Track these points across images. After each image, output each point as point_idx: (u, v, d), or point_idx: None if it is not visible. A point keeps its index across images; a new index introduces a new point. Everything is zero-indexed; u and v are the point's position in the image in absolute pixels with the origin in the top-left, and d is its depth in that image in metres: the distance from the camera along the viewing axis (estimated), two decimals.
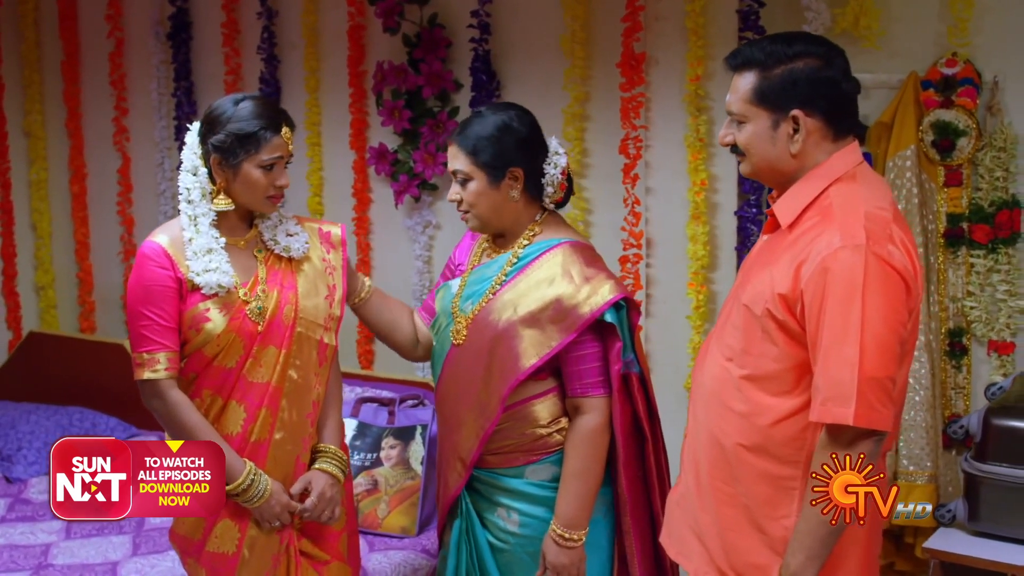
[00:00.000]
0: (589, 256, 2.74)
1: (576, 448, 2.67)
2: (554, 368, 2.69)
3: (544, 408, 2.71)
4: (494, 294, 2.72)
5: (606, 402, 2.67)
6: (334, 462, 2.73)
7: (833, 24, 3.50)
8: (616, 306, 2.65)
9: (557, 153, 2.76)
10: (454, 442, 2.78)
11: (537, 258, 2.71)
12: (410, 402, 3.92)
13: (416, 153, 4.31)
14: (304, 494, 2.68)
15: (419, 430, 3.80)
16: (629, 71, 3.83)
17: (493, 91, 4.13)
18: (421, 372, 4.45)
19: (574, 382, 2.68)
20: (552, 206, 2.80)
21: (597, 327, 2.66)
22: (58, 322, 5.46)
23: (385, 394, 4.00)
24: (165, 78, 5.04)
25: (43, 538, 3.79)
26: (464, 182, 2.71)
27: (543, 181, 2.74)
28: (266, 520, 2.63)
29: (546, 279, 2.68)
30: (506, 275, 2.73)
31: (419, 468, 3.75)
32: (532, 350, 2.65)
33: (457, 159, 2.70)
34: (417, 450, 3.77)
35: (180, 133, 4.99)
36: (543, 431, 2.72)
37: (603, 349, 2.68)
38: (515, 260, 2.73)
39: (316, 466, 2.72)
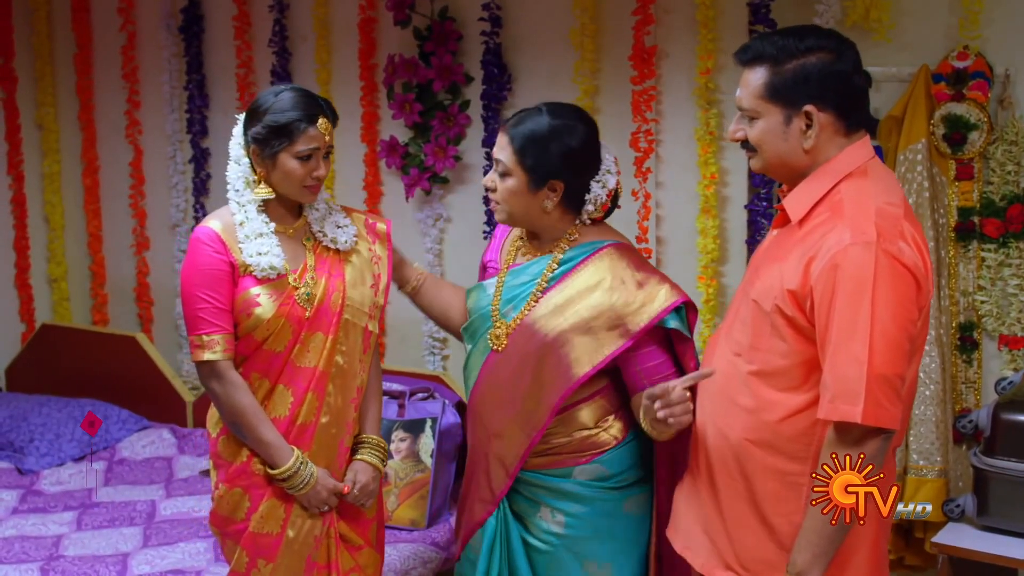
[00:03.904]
0: (636, 259, 2.69)
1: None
2: (604, 370, 2.63)
3: (589, 412, 2.67)
4: (537, 301, 2.67)
5: None
6: (376, 453, 2.81)
7: (844, 17, 3.48)
8: (676, 309, 2.61)
9: (609, 172, 2.68)
10: (496, 448, 2.72)
11: (582, 262, 2.66)
12: (420, 395, 3.93)
13: (427, 146, 4.31)
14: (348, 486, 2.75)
15: (429, 423, 3.80)
16: (640, 64, 3.83)
17: (504, 84, 4.13)
18: (431, 365, 4.45)
19: (647, 379, 2.60)
20: (588, 221, 2.72)
21: (655, 329, 2.61)
22: (71, 314, 5.49)
23: (395, 387, 4.00)
24: (177, 71, 5.05)
25: (55, 529, 3.82)
26: (503, 175, 2.64)
27: (586, 197, 2.67)
28: (313, 506, 2.69)
29: (595, 284, 2.63)
30: (548, 281, 2.67)
31: (429, 461, 3.76)
32: (585, 358, 2.60)
33: (503, 151, 2.63)
34: (427, 443, 3.78)
35: (192, 126, 5.01)
36: (589, 432, 2.68)
37: (664, 345, 2.64)
38: (556, 265, 2.67)
39: (360, 457, 2.79)
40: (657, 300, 2.60)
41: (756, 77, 2.25)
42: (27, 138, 5.33)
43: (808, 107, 2.21)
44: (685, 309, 2.64)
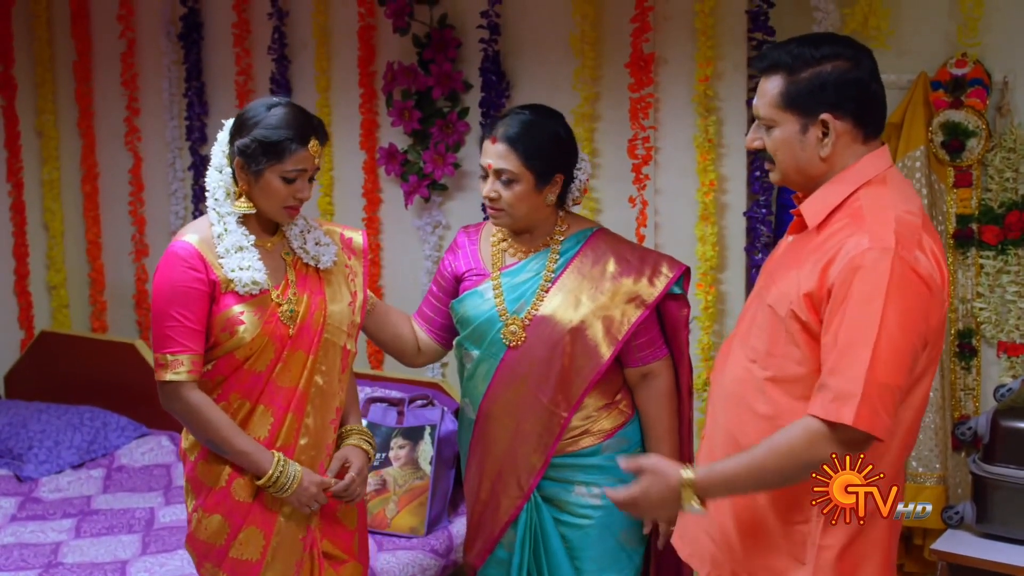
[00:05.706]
0: (623, 239, 2.90)
1: (664, 408, 2.86)
2: None
3: (604, 389, 2.82)
4: (547, 291, 2.79)
5: (670, 360, 2.87)
6: (365, 438, 2.78)
7: (842, 24, 3.49)
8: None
9: (584, 160, 2.86)
10: (527, 438, 2.81)
11: (581, 250, 2.82)
12: (419, 402, 3.93)
13: (426, 154, 4.31)
14: (341, 472, 2.70)
15: (428, 430, 3.80)
16: (638, 71, 3.83)
17: (503, 91, 4.13)
18: (431, 372, 4.45)
19: (643, 351, 2.82)
20: (571, 208, 2.90)
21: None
22: (70, 321, 5.49)
23: (394, 394, 4.00)
24: (176, 78, 5.06)
25: (53, 537, 3.81)
26: (509, 182, 2.73)
27: (572, 186, 2.84)
28: (304, 504, 2.63)
29: (602, 267, 2.79)
30: (554, 271, 2.80)
31: (428, 468, 3.75)
32: (607, 339, 2.76)
33: (506, 159, 2.72)
34: (426, 450, 3.78)
35: (191, 133, 5.01)
36: (607, 408, 2.83)
37: (656, 316, 2.84)
38: (558, 256, 2.82)
39: (349, 442, 2.75)
40: (663, 270, 2.81)
41: (772, 86, 2.23)
42: (26, 145, 5.32)
43: (824, 115, 2.19)
44: (684, 278, 2.86)
